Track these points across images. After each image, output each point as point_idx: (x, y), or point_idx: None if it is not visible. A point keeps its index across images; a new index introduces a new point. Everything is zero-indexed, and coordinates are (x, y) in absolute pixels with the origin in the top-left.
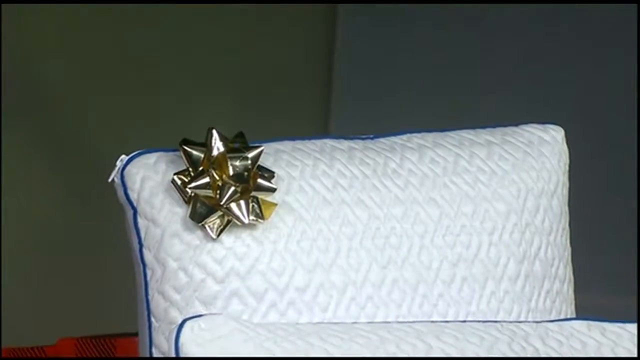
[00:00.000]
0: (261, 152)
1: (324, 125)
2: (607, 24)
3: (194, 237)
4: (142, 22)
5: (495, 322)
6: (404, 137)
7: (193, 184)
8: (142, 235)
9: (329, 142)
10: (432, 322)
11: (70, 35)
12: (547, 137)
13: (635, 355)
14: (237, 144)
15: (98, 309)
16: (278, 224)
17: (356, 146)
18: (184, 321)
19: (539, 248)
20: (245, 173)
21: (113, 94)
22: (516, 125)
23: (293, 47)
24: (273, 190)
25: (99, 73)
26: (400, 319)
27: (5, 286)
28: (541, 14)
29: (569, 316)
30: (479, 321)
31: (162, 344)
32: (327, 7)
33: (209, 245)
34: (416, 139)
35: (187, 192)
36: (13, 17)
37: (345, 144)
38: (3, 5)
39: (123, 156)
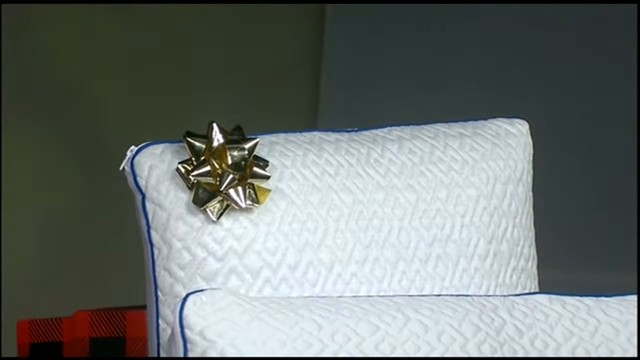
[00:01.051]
0: (257, 143)
1: (313, 119)
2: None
3: (197, 220)
4: (147, 23)
5: (467, 296)
6: (385, 129)
7: (195, 172)
8: (150, 218)
9: (317, 135)
10: (410, 296)
11: (79, 34)
12: (513, 130)
13: (593, 324)
14: (235, 136)
15: (110, 285)
16: (272, 208)
17: (342, 138)
18: (187, 295)
19: (506, 229)
20: (243, 162)
21: (122, 91)
22: (485, 119)
23: (284, 49)
24: (267, 177)
25: (108, 72)
26: (382, 293)
27: (27, 263)
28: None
29: (532, 290)
30: (452, 295)
31: (168, 316)
32: (315, 7)
33: (210, 227)
34: (396, 131)
35: (190, 179)
36: (22, 14)
37: (332, 136)
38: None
39: (133, 147)
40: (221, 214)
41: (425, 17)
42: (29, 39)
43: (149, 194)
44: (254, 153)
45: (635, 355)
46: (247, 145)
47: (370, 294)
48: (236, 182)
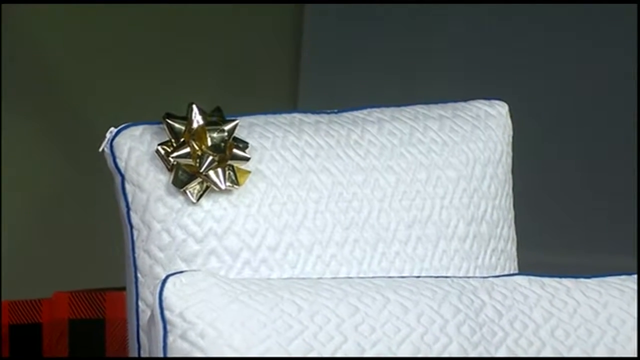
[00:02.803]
0: (236, 125)
1: (292, 102)
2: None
3: (176, 202)
4: (129, 9)
5: (447, 277)
6: (365, 111)
7: (175, 154)
8: (130, 199)
9: (297, 116)
10: (390, 277)
11: (61, 18)
12: (492, 112)
13: (572, 306)
14: (215, 118)
15: (90, 266)
16: (252, 189)
17: (322, 120)
18: (167, 277)
19: (486, 211)
20: (222, 144)
21: (103, 73)
22: (465, 101)
23: (264, 31)
24: (247, 159)
25: (89, 55)
26: (361, 275)
27: (6, 244)
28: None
29: (512, 272)
30: (431, 276)
31: (148, 297)
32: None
33: (190, 208)
34: (376, 113)
35: (170, 161)
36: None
37: (312, 117)
38: None
39: (112, 128)
40: (201, 196)
41: (403, 6)
42: (9, 24)
43: (128, 175)
44: (234, 135)
45: (614, 332)
46: (227, 127)
47: (350, 276)
48: (216, 163)
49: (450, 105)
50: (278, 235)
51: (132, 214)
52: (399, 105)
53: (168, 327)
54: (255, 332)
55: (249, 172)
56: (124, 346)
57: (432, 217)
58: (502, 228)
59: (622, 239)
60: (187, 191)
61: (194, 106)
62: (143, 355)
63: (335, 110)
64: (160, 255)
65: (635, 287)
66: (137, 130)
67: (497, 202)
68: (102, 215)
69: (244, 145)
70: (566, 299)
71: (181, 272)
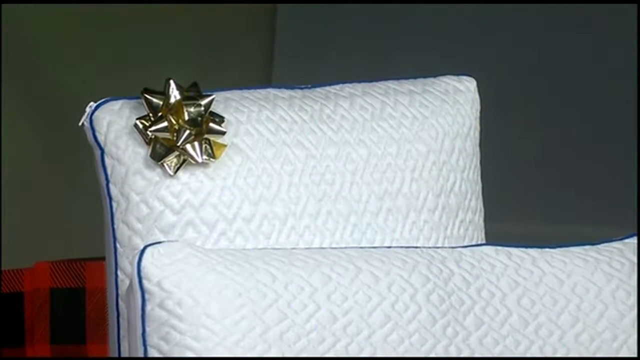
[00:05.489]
0: (213, 99)
1: (267, 78)
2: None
3: (154, 174)
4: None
5: (416, 247)
6: (337, 86)
7: (153, 128)
8: (109, 172)
9: (272, 91)
10: (362, 247)
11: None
12: (461, 87)
13: (537, 275)
14: (192, 93)
15: (71, 237)
16: (227, 162)
17: (296, 95)
18: (145, 247)
19: (454, 183)
20: (199, 118)
21: (82, 50)
22: (434, 76)
23: (240, 8)
24: (223, 133)
25: (67, 31)
26: (334, 246)
27: None
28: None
29: (479, 242)
30: (402, 247)
31: (126, 267)
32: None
33: (167, 181)
34: (348, 88)
35: (148, 135)
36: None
37: (286, 92)
38: None
39: (91, 103)
40: (178, 169)
41: None
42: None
43: (107, 149)
44: (210, 109)
45: (577, 301)
46: (204, 102)
47: (323, 246)
48: (193, 137)
49: (420, 80)
50: (253, 206)
51: (111, 186)
52: (370, 81)
53: (146, 296)
54: (231, 300)
55: (225, 145)
56: (103, 314)
57: (403, 190)
58: (470, 200)
59: (586, 210)
60: (165, 164)
61: (172, 81)
62: (122, 322)
63: (309, 86)
64: (139, 226)
65: (599, 256)
66: (116, 105)
67: (465, 174)
68: (82, 187)
69: (220, 120)
70: (532, 269)
71: (159, 242)
